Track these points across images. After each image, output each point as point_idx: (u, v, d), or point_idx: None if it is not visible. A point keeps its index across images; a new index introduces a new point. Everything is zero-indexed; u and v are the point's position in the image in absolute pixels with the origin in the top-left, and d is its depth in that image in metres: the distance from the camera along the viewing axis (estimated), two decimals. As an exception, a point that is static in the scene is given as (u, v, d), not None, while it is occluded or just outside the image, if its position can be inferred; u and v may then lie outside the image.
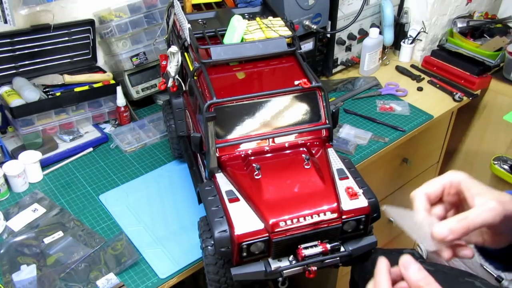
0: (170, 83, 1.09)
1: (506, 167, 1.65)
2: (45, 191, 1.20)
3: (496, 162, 1.67)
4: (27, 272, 0.97)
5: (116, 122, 1.44)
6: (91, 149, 1.34)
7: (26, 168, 1.19)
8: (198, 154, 1.04)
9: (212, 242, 0.82)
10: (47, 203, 1.15)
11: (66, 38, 1.36)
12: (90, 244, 1.03)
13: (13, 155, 1.25)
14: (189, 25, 0.97)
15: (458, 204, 0.68)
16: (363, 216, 0.81)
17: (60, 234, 1.06)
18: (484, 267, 1.89)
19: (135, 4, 1.40)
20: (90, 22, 1.37)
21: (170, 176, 1.24)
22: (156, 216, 1.11)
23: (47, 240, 1.04)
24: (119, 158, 1.31)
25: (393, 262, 1.40)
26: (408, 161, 1.61)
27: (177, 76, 1.08)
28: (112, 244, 1.03)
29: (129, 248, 1.02)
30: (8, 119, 1.32)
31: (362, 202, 0.82)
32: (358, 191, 0.83)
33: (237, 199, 0.81)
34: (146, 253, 1.03)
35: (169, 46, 1.22)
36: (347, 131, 1.40)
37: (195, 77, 0.95)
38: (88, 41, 1.40)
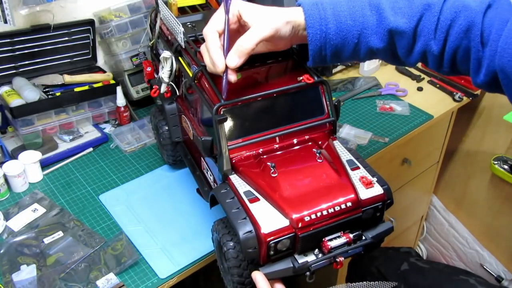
0: (163, 89, 1.09)
1: (506, 167, 1.65)
2: (45, 191, 1.20)
3: (496, 162, 1.67)
4: (27, 272, 0.97)
5: (116, 122, 1.44)
6: (91, 149, 1.34)
7: (26, 168, 1.19)
8: (201, 158, 1.04)
9: (232, 244, 0.82)
10: (47, 203, 1.15)
11: (66, 38, 1.36)
12: (90, 244, 1.04)
13: (13, 155, 1.25)
14: (182, 29, 0.97)
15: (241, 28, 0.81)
16: (380, 203, 0.83)
17: (60, 234, 1.06)
18: (484, 267, 1.89)
19: (135, 4, 1.40)
20: (90, 22, 1.37)
21: (170, 176, 1.24)
22: (156, 216, 1.11)
23: (47, 240, 1.04)
24: (119, 158, 1.31)
25: (390, 260, 1.41)
26: (408, 161, 1.61)
27: (170, 82, 1.07)
28: (112, 244, 1.03)
29: (129, 248, 1.02)
30: (8, 119, 1.32)
31: (377, 190, 0.83)
32: (372, 180, 0.84)
33: (257, 199, 0.81)
34: (146, 253, 1.03)
35: (153, 53, 1.21)
36: (347, 131, 1.40)
37: (195, 81, 0.95)
38: (88, 41, 1.40)
